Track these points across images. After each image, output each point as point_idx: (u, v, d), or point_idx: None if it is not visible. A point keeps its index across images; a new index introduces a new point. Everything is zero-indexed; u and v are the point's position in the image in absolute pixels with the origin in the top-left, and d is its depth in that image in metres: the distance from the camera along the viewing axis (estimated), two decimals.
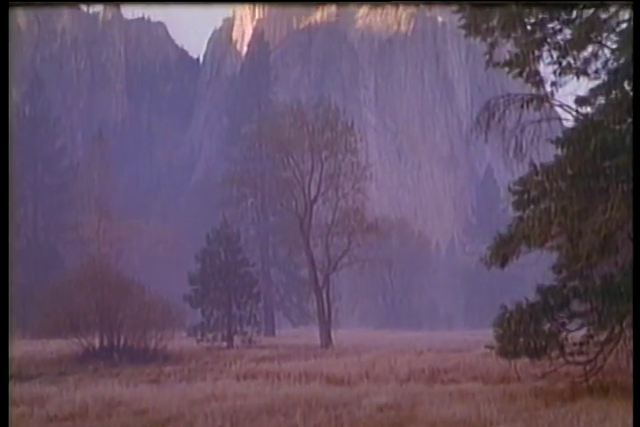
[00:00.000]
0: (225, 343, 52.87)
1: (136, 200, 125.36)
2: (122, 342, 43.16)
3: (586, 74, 21.70)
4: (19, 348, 38.91)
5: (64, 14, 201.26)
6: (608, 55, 21.23)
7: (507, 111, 22.27)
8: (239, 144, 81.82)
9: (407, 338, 60.15)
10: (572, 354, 21.33)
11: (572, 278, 21.42)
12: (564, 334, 21.26)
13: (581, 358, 21.48)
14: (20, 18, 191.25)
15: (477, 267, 69.45)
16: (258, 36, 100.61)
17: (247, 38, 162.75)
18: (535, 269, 43.89)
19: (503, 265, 21.79)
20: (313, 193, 59.38)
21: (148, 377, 31.96)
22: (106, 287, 44.19)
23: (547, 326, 21.02)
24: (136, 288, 46.04)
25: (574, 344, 21.36)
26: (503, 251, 21.37)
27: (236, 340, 53.48)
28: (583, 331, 21.55)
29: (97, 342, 43.10)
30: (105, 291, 43.96)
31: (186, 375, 31.99)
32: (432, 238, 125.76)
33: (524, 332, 20.66)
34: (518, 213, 21.65)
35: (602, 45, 21.24)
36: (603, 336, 21.24)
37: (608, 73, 21.18)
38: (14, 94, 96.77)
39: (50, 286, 52.10)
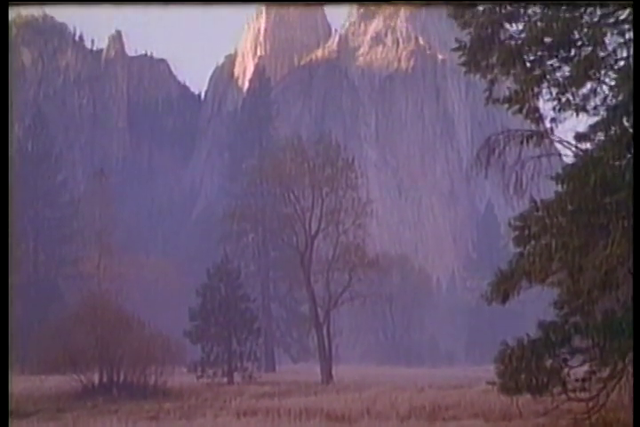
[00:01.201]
0: (225, 379, 52.55)
1: (137, 235, 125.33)
2: (121, 378, 42.89)
3: (585, 110, 21.84)
4: (17, 384, 38.59)
5: (68, 51, 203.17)
6: (607, 92, 21.39)
7: (507, 147, 22.38)
8: (240, 179, 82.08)
9: (408, 374, 59.80)
10: (574, 390, 21.17)
11: (574, 314, 21.35)
12: (566, 370, 21.12)
13: (584, 395, 21.31)
14: (24, 55, 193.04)
15: (478, 303, 69.23)
16: (259, 72, 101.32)
17: (248, 74, 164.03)
18: (536, 304, 43.86)
19: (504, 301, 21.72)
20: (314, 229, 59.41)
21: (148, 414, 31.73)
22: (105, 323, 44.03)
23: (548, 363, 20.90)
24: (136, 324, 45.88)
25: (576, 381, 21.20)
26: (504, 287, 21.33)
27: (237, 376, 53.16)
28: (585, 367, 21.41)
29: (96, 378, 42.82)
30: (105, 326, 43.78)
31: (186, 412, 31.76)
32: (433, 274, 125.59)
33: (525, 368, 20.54)
34: (519, 249, 21.64)
35: (600, 82, 21.40)
36: (605, 373, 21.09)
37: (607, 109, 21.32)
38: (17, 130, 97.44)
39: (49, 321, 51.93)
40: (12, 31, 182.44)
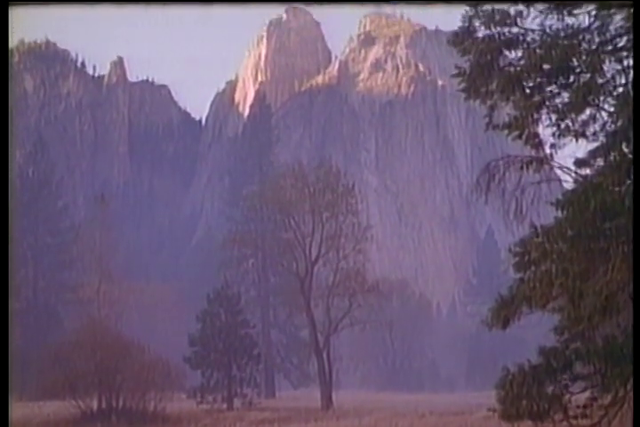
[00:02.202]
0: (225, 405, 52.26)
1: (137, 261, 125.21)
2: (120, 403, 42.73)
3: (584, 136, 21.93)
4: (16, 410, 38.29)
5: (70, 77, 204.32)
6: (606, 118, 21.48)
7: (507, 173, 22.43)
8: (240, 205, 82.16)
9: (408, 400, 59.45)
10: (575, 417, 21.03)
11: (574, 340, 21.28)
12: (567, 396, 20.99)
13: (585, 422, 21.17)
14: (26, 82, 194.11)
15: (479, 328, 69.11)
16: (260, 98, 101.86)
17: (249, 100, 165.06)
18: (537, 330, 43.75)
19: (505, 327, 21.65)
20: (314, 254, 59.41)
21: None
22: (105, 348, 43.92)
23: (550, 389, 20.78)
24: (136, 349, 45.76)
25: (578, 407, 21.07)
26: (504, 312, 21.29)
27: (236, 402, 52.88)
28: (587, 393, 21.30)
29: (95, 404, 42.67)
30: (104, 352, 43.67)
31: None
32: (433, 300, 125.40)
33: (526, 394, 20.43)
34: (519, 275, 21.61)
35: (599, 108, 21.51)
36: (607, 399, 20.97)
37: (606, 135, 21.41)
38: (18, 156, 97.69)
39: (49, 346, 51.75)
40: (15, 58, 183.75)
